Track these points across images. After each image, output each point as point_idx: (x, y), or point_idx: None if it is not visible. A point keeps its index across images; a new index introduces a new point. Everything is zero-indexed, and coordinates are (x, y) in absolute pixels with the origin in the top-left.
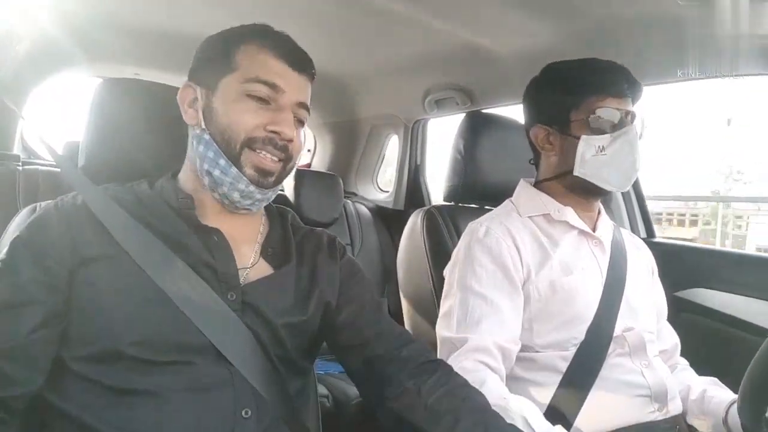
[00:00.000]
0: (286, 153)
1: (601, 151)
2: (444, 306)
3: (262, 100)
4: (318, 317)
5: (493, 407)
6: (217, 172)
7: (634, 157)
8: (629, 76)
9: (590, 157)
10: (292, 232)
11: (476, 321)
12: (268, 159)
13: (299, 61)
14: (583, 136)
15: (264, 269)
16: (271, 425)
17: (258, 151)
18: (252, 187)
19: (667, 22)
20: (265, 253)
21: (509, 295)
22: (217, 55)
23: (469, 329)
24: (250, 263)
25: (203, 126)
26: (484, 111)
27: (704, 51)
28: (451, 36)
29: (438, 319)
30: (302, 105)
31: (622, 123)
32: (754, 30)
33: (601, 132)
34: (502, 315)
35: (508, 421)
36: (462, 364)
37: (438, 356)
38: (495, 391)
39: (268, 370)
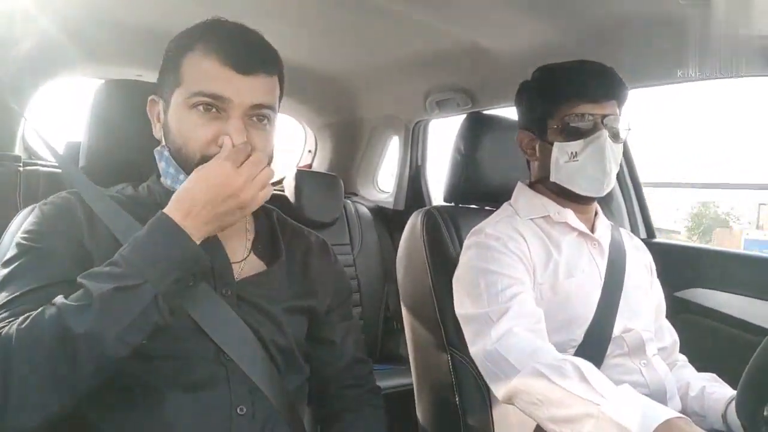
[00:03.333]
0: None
1: (573, 158)
2: (465, 295)
3: (209, 110)
4: (314, 308)
5: (551, 366)
6: (178, 187)
7: (604, 163)
8: (608, 79)
9: (563, 163)
10: (279, 228)
11: (510, 296)
12: None
13: (247, 63)
14: (556, 143)
15: (256, 265)
16: (267, 422)
17: None
18: None
19: (667, 22)
20: (256, 249)
21: (529, 277)
22: (168, 65)
23: (507, 301)
24: (242, 260)
25: (163, 143)
26: (484, 112)
27: (704, 51)
28: (452, 37)
29: (458, 305)
30: (259, 106)
31: (596, 128)
32: (754, 30)
33: (575, 138)
34: (531, 292)
35: (564, 378)
36: (512, 329)
37: (465, 336)
38: (550, 354)
39: (267, 365)
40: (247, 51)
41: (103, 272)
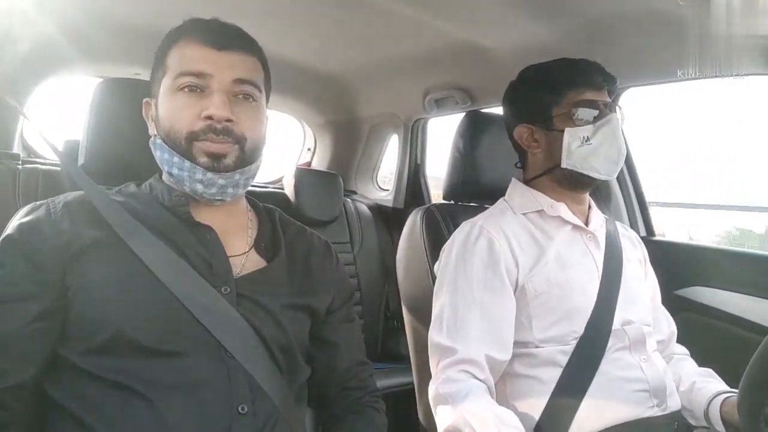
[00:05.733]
0: (231, 136)
1: (586, 141)
2: (435, 308)
3: (194, 90)
4: (314, 307)
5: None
6: (174, 170)
7: (618, 143)
8: (603, 70)
9: (576, 148)
10: (281, 228)
11: (466, 329)
12: (217, 143)
13: (224, 41)
14: (567, 129)
15: (257, 262)
16: (269, 422)
17: (203, 141)
18: (210, 174)
19: (666, 22)
20: (258, 246)
21: (501, 296)
22: (156, 64)
23: (459, 338)
24: (243, 257)
25: (156, 132)
26: (483, 110)
27: (704, 51)
28: (450, 35)
29: (431, 322)
30: (241, 81)
31: (603, 113)
32: (754, 30)
33: (584, 123)
34: (492, 320)
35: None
36: (448, 374)
37: (430, 360)
38: (476, 406)
39: (269, 363)
40: (224, 31)
41: None
